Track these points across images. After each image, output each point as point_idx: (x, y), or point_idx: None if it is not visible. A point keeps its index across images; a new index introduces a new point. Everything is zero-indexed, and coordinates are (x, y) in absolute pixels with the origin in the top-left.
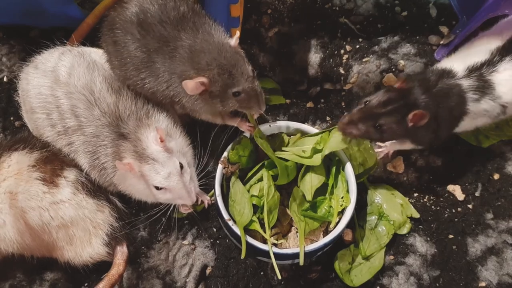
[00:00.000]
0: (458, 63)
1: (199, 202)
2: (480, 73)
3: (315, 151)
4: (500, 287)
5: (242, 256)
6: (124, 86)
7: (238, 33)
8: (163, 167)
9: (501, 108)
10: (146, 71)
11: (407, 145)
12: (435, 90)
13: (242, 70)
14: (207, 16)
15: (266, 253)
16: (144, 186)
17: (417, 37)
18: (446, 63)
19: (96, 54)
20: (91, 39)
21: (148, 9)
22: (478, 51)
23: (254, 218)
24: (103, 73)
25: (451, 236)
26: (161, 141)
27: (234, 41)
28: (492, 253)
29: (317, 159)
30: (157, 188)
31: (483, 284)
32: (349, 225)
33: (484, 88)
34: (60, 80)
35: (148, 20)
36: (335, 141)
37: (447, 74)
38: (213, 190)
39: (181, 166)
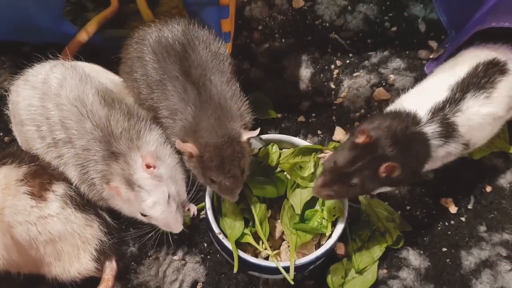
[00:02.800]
0: (421, 104)
1: (186, 209)
2: (443, 115)
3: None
4: None
5: (235, 271)
6: (117, 100)
7: (256, 132)
8: (149, 196)
9: (464, 146)
10: (157, 92)
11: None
12: (401, 140)
13: (230, 168)
14: (230, 83)
15: (257, 267)
16: (130, 210)
17: (407, 52)
18: (410, 104)
19: (90, 68)
20: (84, 55)
21: (180, 40)
22: (439, 87)
23: (246, 231)
24: (96, 86)
25: (444, 249)
26: (148, 167)
27: (244, 137)
28: (486, 266)
29: (311, 184)
30: (142, 214)
31: None
32: (342, 238)
33: (448, 132)
34: (51, 92)
35: (176, 49)
36: None
37: (412, 120)
38: (203, 203)
39: (169, 195)
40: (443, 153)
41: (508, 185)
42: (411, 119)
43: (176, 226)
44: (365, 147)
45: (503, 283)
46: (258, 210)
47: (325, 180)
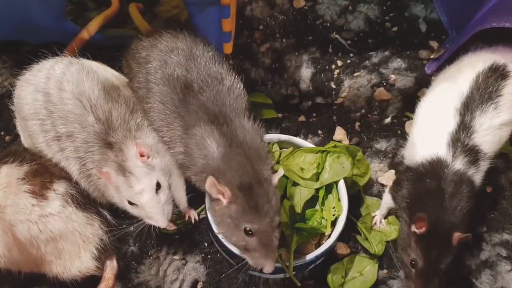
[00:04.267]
0: (437, 142)
1: (186, 219)
2: (462, 144)
3: (316, 174)
4: None
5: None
6: (122, 96)
7: (281, 173)
8: (137, 182)
9: (490, 159)
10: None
11: None
12: (449, 198)
13: (269, 209)
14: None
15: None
16: (120, 198)
17: (408, 52)
18: (426, 147)
19: (95, 65)
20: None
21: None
22: (447, 115)
23: None
24: (103, 82)
25: None
26: (142, 155)
27: (276, 179)
28: (486, 267)
29: (314, 185)
30: (130, 202)
31: None
32: (342, 239)
33: (475, 157)
34: (57, 86)
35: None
36: (336, 169)
37: (441, 168)
38: (203, 205)
39: (159, 186)
40: (480, 175)
41: (508, 185)
42: (439, 167)
43: (161, 218)
44: (430, 233)
45: (503, 283)
46: None
47: (418, 286)
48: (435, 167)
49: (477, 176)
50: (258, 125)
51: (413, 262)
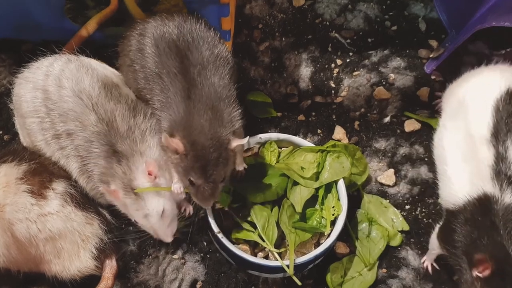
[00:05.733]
0: (480, 179)
1: (182, 210)
2: (505, 176)
3: (316, 174)
4: None
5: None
6: (123, 95)
7: (245, 140)
8: (145, 205)
9: None
10: (154, 84)
11: None
12: (506, 235)
13: (213, 173)
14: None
15: (257, 267)
16: (124, 211)
17: (407, 51)
18: (473, 187)
19: (95, 62)
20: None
21: (184, 38)
22: (480, 148)
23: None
24: (103, 79)
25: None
26: (150, 174)
27: (233, 144)
28: None
29: (314, 184)
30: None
31: None
32: (341, 238)
33: None
34: (56, 84)
35: (179, 46)
36: (335, 168)
37: (490, 206)
38: None
39: (164, 210)
40: None
41: None
42: (489, 204)
43: (165, 238)
44: (494, 273)
45: None
46: (260, 219)
47: None
48: (484, 204)
49: None
50: (233, 94)
51: None
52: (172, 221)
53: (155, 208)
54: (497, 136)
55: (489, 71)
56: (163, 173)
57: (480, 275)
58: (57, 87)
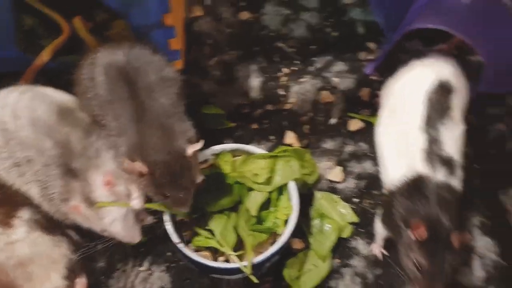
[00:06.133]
0: (413, 160)
1: (140, 219)
2: (437, 157)
3: (269, 178)
4: None
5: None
6: (77, 119)
7: (200, 144)
8: (108, 213)
9: (461, 160)
10: (108, 112)
11: None
12: (439, 202)
13: (182, 181)
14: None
15: (218, 270)
16: (90, 225)
17: (348, 55)
18: (407, 170)
19: (49, 90)
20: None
21: (133, 64)
22: (414, 134)
23: (208, 235)
24: (58, 106)
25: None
26: (108, 185)
27: (189, 151)
28: None
29: (267, 188)
30: (102, 230)
31: None
32: (296, 235)
33: (451, 167)
34: (12, 115)
35: (128, 72)
36: (286, 172)
37: (423, 182)
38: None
39: (126, 211)
40: (458, 182)
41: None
42: (420, 181)
43: (135, 238)
44: (429, 238)
45: None
46: (217, 226)
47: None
48: (419, 182)
49: (457, 184)
50: (182, 110)
51: (419, 266)
52: (136, 220)
53: (118, 211)
54: (429, 122)
55: (421, 65)
56: (120, 181)
57: (417, 237)
58: (13, 118)
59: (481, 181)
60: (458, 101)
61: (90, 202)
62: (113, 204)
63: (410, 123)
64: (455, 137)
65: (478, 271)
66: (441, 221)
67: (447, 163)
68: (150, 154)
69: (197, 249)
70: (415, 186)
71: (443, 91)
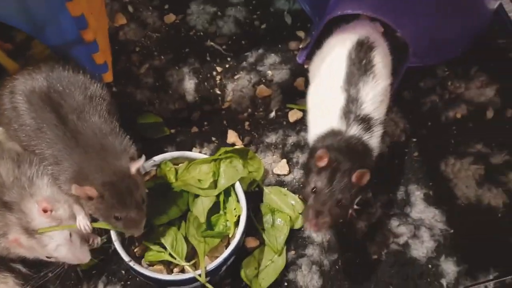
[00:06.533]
0: (331, 117)
1: (90, 242)
2: (354, 115)
3: (214, 182)
4: (390, 255)
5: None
6: (5, 150)
7: (142, 160)
8: (51, 239)
9: (382, 117)
10: (38, 140)
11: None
12: (347, 150)
13: (132, 201)
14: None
15: (173, 283)
16: (35, 255)
17: (279, 46)
18: (324, 126)
19: None
20: None
21: (55, 88)
22: (335, 94)
23: (159, 249)
24: None
25: (340, 220)
26: (45, 211)
27: (133, 169)
28: (377, 227)
29: (213, 192)
30: (48, 257)
31: (375, 256)
32: (250, 233)
33: (368, 124)
34: None
35: (52, 97)
36: (230, 173)
37: (337, 134)
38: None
39: (71, 234)
40: (376, 140)
41: (387, 149)
42: (334, 134)
43: (84, 258)
44: (330, 167)
45: (394, 238)
46: (167, 238)
47: (317, 209)
48: (332, 136)
49: (373, 140)
50: (116, 126)
51: (314, 189)
52: (82, 241)
53: (61, 236)
54: (350, 80)
55: (343, 30)
56: (60, 205)
57: (318, 164)
58: None
59: (420, 153)
60: (380, 57)
61: (30, 232)
62: (55, 228)
63: (333, 84)
64: (376, 93)
65: (427, 242)
66: (343, 158)
67: (364, 121)
68: (96, 177)
69: (151, 263)
70: (330, 136)
71: (363, 47)
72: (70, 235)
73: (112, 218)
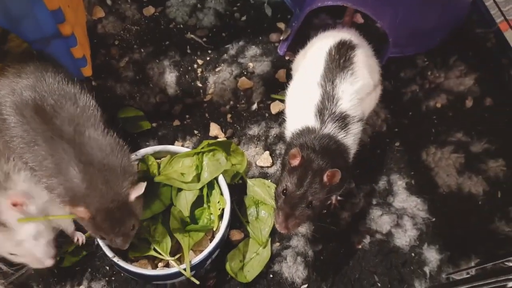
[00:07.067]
0: (306, 115)
1: (75, 240)
2: (329, 113)
3: (197, 176)
4: (373, 244)
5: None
6: None
7: (142, 188)
8: (15, 234)
9: (362, 121)
10: (33, 152)
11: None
12: (319, 149)
13: (121, 229)
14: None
15: (159, 277)
16: (1, 252)
17: (260, 38)
18: (299, 123)
19: None
20: None
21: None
22: (311, 90)
23: (144, 244)
24: None
25: (324, 211)
26: (15, 205)
27: (133, 196)
28: (360, 217)
29: (196, 186)
30: (11, 253)
31: (359, 246)
32: (235, 226)
33: (343, 122)
34: None
35: (44, 109)
36: (213, 166)
37: (310, 132)
38: None
39: (37, 232)
40: (352, 139)
41: (368, 139)
42: (308, 131)
43: (45, 260)
44: (302, 167)
45: (377, 227)
46: (152, 233)
47: (286, 211)
48: (306, 133)
49: (349, 139)
50: (115, 139)
51: (285, 190)
52: (49, 243)
53: (26, 232)
54: (326, 76)
55: (326, 35)
56: (33, 201)
57: (291, 162)
58: None
59: (401, 143)
60: (361, 56)
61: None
62: (34, 219)
63: (310, 80)
64: (354, 91)
65: (410, 231)
66: (316, 158)
67: (340, 118)
68: (92, 201)
69: (135, 259)
70: (303, 134)
71: (343, 46)
72: (38, 234)
73: (98, 235)
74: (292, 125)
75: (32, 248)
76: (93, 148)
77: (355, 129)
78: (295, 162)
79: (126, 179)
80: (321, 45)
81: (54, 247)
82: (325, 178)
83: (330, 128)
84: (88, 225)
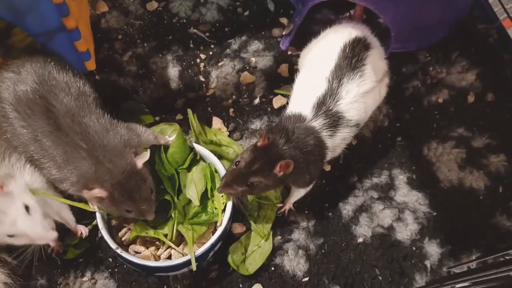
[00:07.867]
0: (305, 103)
1: (78, 234)
2: (326, 108)
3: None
4: (375, 238)
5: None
6: None
7: (146, 155)
8: (5, 215)
9: (356, 127)
10: (35, 148)
11: (298, 193)
12: (294, 137)
13: (141, 195)
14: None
15: (161, 269)
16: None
17: (262, 33)
18: (297, 106)
19: None
20: None
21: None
22: (318, 82)
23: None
24: None
25: (326, 205)
26: None
27: (140, 164)
28: (362, 211)
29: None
30: (10, 236)
31: (360, 240)
32: (237, 219)
33: (335, 122)
34: None
35: (39, 103)
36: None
37: (299, 119)
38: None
39: (27, 207)
40: (338, 140)
41: (370, 134)
42: (298, 118)
43: (46, 234)
44: (264, 149)
45: (379, 221)
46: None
47: (227, 180)
48: (295, 119)
49: (332, 139)
50: (110, 120)
51: (237, 162)
52: (44, 217)
53: (15, 209)
54: (335, 73)
55: (335, 30)
56: (11, 179)
57: (258, 143)
58: None
59: (403, 138)
60: (373, 59)
61: None
62: (47, 195)
63: (320, 73)
64: (358, 94)
65: (411, 225)
66: (281, 145)
67: (333, 117)
68: (104, 180)
69: (137, 251)
70: (292, 118)
71: (358, 44)
72: (27, 208)
73: (123, 211)
74: (290, 107)
75: (28, 225)
76: (92, 132)
77: (345, 133)
78: (259, 142)
79: (129, 152)
80: (335, 38)
81: (52, 223)
82: (277, 168)
83: (319, 122)
84: (109, 205)
